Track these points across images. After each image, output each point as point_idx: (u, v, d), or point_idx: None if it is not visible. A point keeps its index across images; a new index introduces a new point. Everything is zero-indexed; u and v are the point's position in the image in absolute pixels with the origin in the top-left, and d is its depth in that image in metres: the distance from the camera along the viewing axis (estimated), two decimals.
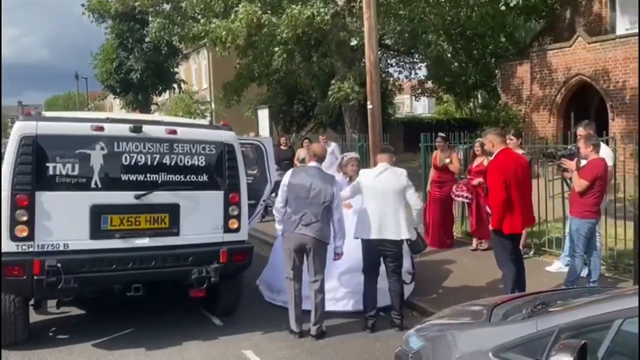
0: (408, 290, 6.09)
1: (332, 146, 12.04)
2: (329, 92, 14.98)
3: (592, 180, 5.65)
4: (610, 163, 6.18)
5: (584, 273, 6.08)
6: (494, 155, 5.47)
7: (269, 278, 6.60)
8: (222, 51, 15.38)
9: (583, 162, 5.83)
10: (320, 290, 5.34)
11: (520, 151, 6.83)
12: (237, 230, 5.46)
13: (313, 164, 5.46)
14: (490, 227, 5.48)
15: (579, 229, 5.83)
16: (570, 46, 14.63)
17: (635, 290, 2.60)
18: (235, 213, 5.44)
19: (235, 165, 5.47)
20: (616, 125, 13.47)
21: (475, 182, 7.75)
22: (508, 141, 7.04)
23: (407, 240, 5.51)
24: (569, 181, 6.48)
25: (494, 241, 5.62)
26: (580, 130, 6.62)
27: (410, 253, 5.99)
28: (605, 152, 6.28)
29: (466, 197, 8.16)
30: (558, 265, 7.00)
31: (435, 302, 5.99)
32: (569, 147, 6.34)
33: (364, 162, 11.76)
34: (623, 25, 5.51)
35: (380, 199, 5.42)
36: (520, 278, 5.47)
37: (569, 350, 2.25)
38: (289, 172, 5.56)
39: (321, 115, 18.08)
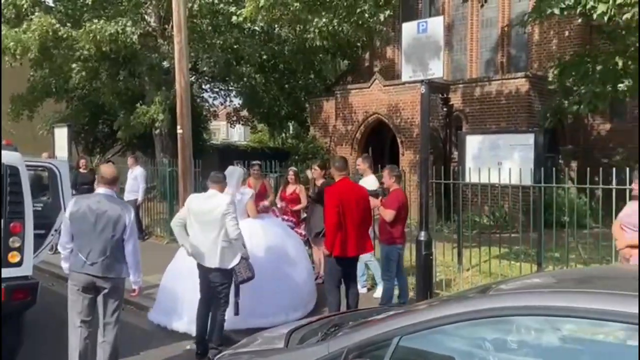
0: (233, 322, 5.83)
1: (137, 171, 11.40)
2: (132, 117, 14.26)
3: (397, 208, 6.25)
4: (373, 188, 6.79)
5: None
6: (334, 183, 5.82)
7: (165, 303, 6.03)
8: (12, 62, 13.72)
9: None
10: (115, 336, 4.65)
11: (372, 177, 7.20)
12: (18, 264, 4.80)
13: (101, 190, 4.70)
14: (325, 250, 5.73)
15: (387, 254, 6.35)
16: (369, 87, 16.22)
17: (410, 309, 2.91)
18: (17, 245, 4.78)
19: (19, 191, 4.83)
20: (405, 158, 15.22)
21: (294, 209, 8.07)
22: (312, 171, 7.51)
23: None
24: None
25: (326, 265, 5.89)
26: (359, 161, 7.41)
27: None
28: (371, 181, 6.98)
29: (290, 222, 8.30)
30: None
31: (239, 331, 5.95)
32: (375, 189, 6.94)
33: (172, 187, 11.39)
34: (407, 74, 6.27)
35: (205, 225, 5.27)
36: (354, 299, 5.83)
37: None
38: (72, 200, 4.82)
39: (123, 136, 17.04)
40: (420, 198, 6.39)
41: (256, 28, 17.09)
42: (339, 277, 5.79)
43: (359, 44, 17.93)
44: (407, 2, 17.19)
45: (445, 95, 14.79)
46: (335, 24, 10.32)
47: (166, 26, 13.77)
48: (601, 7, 6.23)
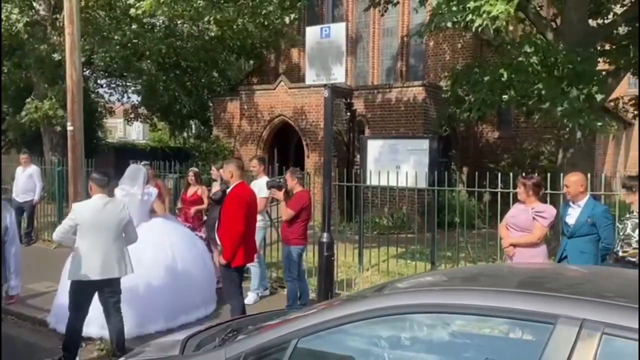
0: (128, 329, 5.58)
1: (32, 169, 10.58)
2: (23, 112, 13.17)
3: (299, 210, 6.26)
4: (264, 195, 6.69)
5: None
6: (231, 187, 5.50)
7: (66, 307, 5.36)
8: None
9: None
10: None
11: (265, 179, 6.95)
12: None
13: None
14: (222, 261, 5.43)
15: (289, 255, 6.36)
16: (274, 89, 16.20)
17: (308, 311, 2.92)
18: None
19: None
20: (310, 161, 15.38)
21: (192, 210, 7.78)
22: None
23: None
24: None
25: (224, 275, 5.58)
26: (255, 162, 7.34)
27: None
28: (263, 182, 6.83)
29: (192, 227, 8.00)
30: (253, 297, 7.09)
31: (141, 337, 5.69)
32: (278, 178, 6.93)
33: (61, 188, 10.65)
34: (311, 77, 6.33)
35: (104, 233, 4.94)
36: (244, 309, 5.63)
37: None
38: None
39: (10, 133, 15.71)
40: (323, 200, 6.46)
41: (156, 22, 16.46)
42: (239, 282, 5.67)
43: (264, 45, 17.86)
44: (312, 6, 17.45)
45: (348, 100, 15.16)
46: (240, 23, 10.20)
47: (57, 16, 12.82)
48: (478, 21, 6.89)
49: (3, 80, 13.65)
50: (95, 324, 5.69)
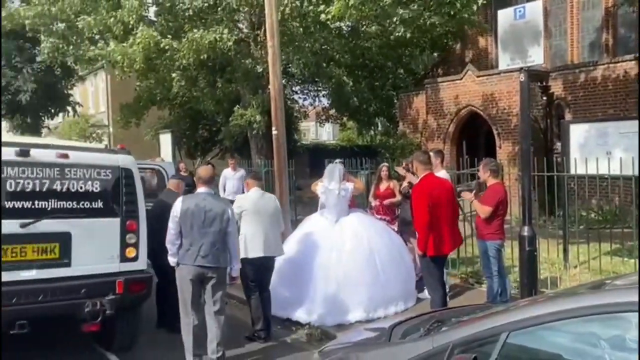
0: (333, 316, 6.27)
1: (241, 172, 11.94)
2: (231, 118, 14.90)
3: (495, 204, 6.02)
4: None
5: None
6: (418, 180, 5.69)
7: (277, 293, 6.40)
8: (121, 75, 14.80)
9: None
10: (222, 320, 5.15)
11: (443, 172, 6.95)
12: (134, 259, 5.20)
13: (203, 189, 5.20)
14: (418, 251, 5.67)
15: (486, 251, 6.16)
16: (461, 79, 15.73)
17: (518, 304, 2.81)
18: (133, 241, 5.19)
19: (133, 191, 5.24)
20: (503, 151, 14.60)
21: (387, 202, 8.02)
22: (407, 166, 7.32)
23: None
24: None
25: (423, 265, 5.81)
26: (431, 156, 7.02)
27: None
28: (442, 176, 6.64)
29: (387, 221, 8.27)
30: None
31: (340, 325, 6.07)
32: (467, 183, 6.77)
33: (267, 187, 11.78)
34: (504, 62, 6.03)
35: (263, 219, 5.86)
36: (446, 302, 5.71)
37: None
38: (178, 201, 5.18)
39: (225, 141, 17.90)
40: (522, 191, 6.11)
41: (343, 27, 17.20)
42: (438, 274, 5.71)
43: (449, 35, 17.44)
44: None
45: (544, 84, 14.02)
46: (426, 16, 10.13)
47: (258, 32, 14.21)
48: None
49: (218, 94, 15.62)
50: (303, 309, 6.24)
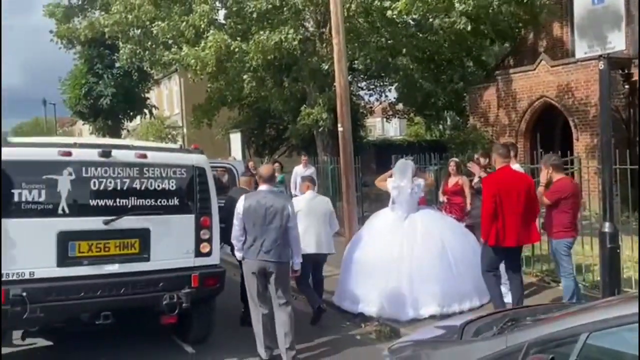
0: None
1: (312, 170, 12.08)
2: (299, 118, 15.08)
3: (554, 200, 5.80)
4: None
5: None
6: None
7: (348, 288, 6.66)
8: (194, 78, 15.36)
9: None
10: (290, 312, 5.28)
11: (517, 166, 6.78)
12: (208, 254, 5.40)
13: (264, 187, 5.38)
14: (481, 239, 5.80)
15: (556, 248, 5.94)
16: (534, 69, 15.07)
17: (600, 304, 2.67)
18: (207, 237, 5.39)
19: (207, 189, 5.44)
20: (580, 144, 13.87)
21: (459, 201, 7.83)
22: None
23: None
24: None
25: (482, 252, 5.88)
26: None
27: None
28: (517, 169, 6.44)
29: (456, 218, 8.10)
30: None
31: (410, 323, 6.01)
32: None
33: (334, 184, 11.85)
34: (582, 50, 5.73)
35: (315, 219, 6.33)
36: (517, 290, 5.75)
37: None
38: (241, 199, 5.38)
39: (292, 139, 18.16)
40: (602, 186, 5.78)
41: (409, 21, 16.94)
42: (493, 264, 5.72)
43: (520, 24, 16.76)
44: None
45: (626, 71, 13.17)
46: (495, 6, 9.79)
47: (323, 30, 14.31)
48: None
49: (285, 93, 15.89)
50: (375, 304, 6.27)
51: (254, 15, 13.60)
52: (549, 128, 15.74)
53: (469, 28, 11.29)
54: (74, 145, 5.11)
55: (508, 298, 6.16)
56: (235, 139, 15.74)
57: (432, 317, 5.99)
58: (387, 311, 6.21)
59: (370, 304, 6.36)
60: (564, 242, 5.88)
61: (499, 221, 5.46)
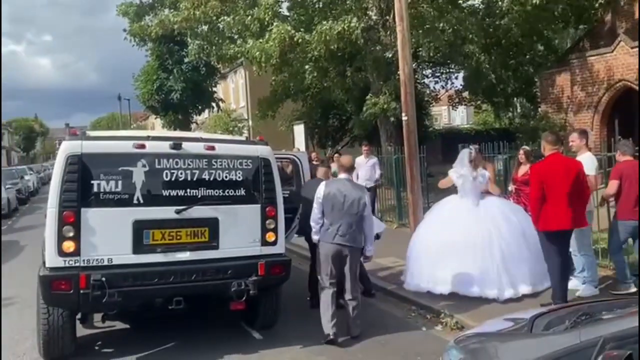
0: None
1: (374, 160, 11.97)
2: (364, 108, 14.99)
3: (617, 180, 6.03)
4: (591, 173, 6.14)
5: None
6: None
7: (424, 271, 6.74)
8: (259, 71, 15.67)
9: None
10: (356, 294, 5.65)
11: (588, 155, 6.54)
12: (274, 243, 5.51)
13: (343, 175, 5.75)
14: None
15: (617, 229, 6.13)
16: (612, 51, 14.22)
17: None
18: (272, 226, 5.49)
19: (272, 179, 5.54)
20: None
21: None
22: (572, 143, 6.74)
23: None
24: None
25: (539, 237, 5.91)
26: (574, 137, 6.66)
27: None
28: (587, 158, 6.24)
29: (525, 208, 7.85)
30: (589, 290, 6.29)
31: (476, 315, 5.88)
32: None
33: (398, 174, 11.70)
34: None
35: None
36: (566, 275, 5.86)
37: None
38: (322, 185, 5.74)
39: (355, 129, 18.12)
40: None
41: (475, 4, 16.38)
42: (550, 248, 5.75)
43: (596, 5, 15.83)
44: None
45: None
46: None
47: (387, 17, 14.13)
48: None
49: (347, 83, 15.87)
50: (462, 284, 6.48)
51: (319, 5, 13.64)
52: (629, 113, 14.81)
53: (537, 1, 10.80)
54: (148, 138, 5.34)
55: (583, 291, 6.18)
56: (299, 130, 15.94)
57: (526, 297, 6.20)
58: (476, 291, 6.32)
59: (456, 285, 6.46)
60: (628, 225, 6.02)
61: (548, 206, 5.55)
